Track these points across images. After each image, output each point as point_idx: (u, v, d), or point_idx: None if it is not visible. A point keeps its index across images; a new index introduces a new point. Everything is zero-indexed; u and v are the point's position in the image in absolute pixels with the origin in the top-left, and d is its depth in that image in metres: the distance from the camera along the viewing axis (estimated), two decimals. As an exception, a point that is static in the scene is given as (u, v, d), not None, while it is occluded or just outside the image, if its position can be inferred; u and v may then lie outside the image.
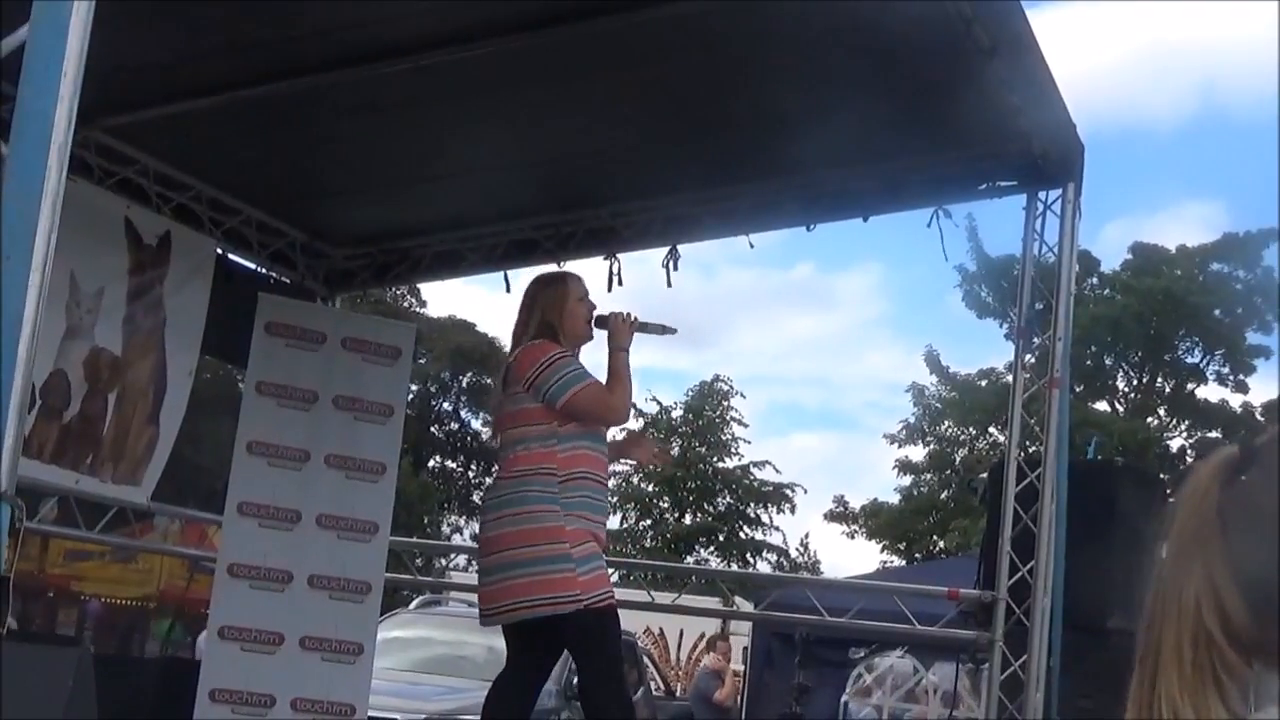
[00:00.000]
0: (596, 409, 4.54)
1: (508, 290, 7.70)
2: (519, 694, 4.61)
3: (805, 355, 47.27)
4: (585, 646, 4.46)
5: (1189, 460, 26.31)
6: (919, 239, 6.13)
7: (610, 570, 8.57)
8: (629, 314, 4.69)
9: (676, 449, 32.37)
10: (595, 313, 4.73)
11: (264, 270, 7.29)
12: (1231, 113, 42.38)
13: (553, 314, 4.65)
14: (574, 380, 4.48)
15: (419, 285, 24.30)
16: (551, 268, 5.92)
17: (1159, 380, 28.19)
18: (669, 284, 6.75)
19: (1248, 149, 41.53)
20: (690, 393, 32.71)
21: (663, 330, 4.78)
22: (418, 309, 29.94)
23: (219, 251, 6.84)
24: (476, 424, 34.97)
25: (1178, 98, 42.84)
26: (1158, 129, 43.58)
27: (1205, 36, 38.96)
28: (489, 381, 34.11)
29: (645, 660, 12.00)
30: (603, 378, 4.61)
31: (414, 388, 29.41)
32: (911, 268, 47.50)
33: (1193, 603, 1.13)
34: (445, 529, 32.95)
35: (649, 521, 32.73)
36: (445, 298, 55.71)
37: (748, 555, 31.70)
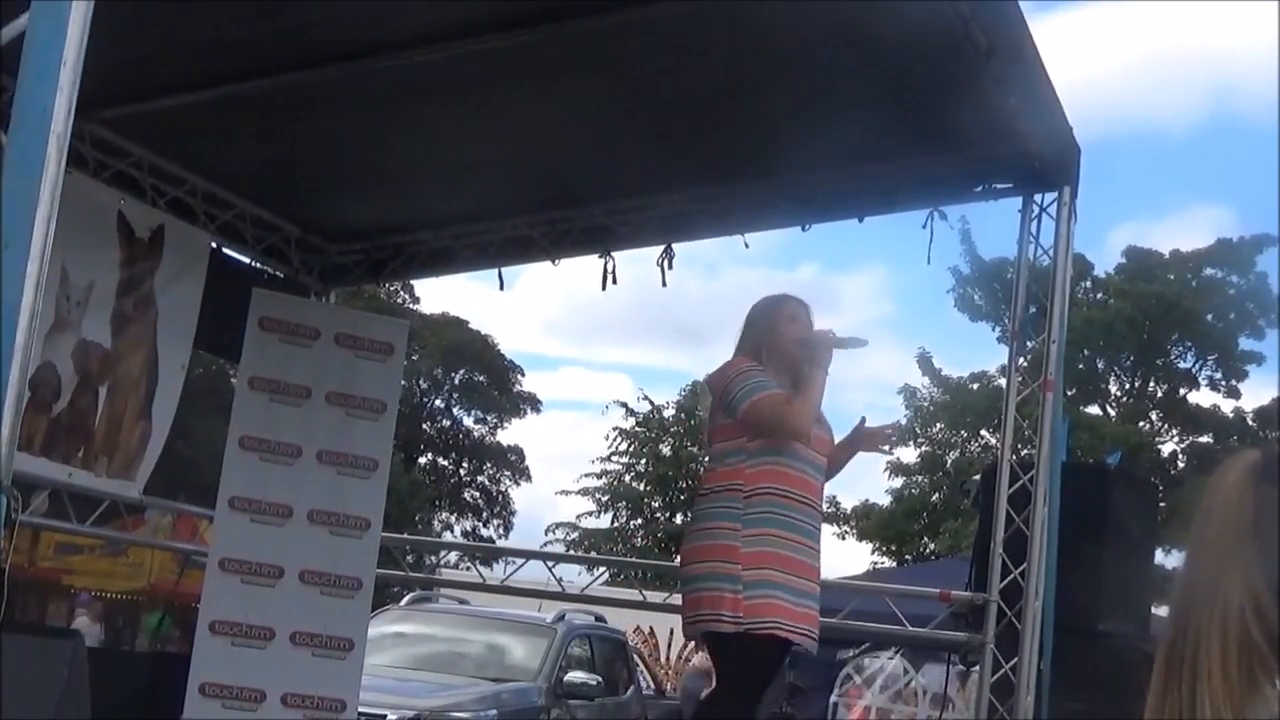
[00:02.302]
0: (771, 417, 4.40)
1: (501, 288, 7.75)
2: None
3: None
4: (736, 668, 4.39)
5: (1181, 465, 26.35)
6: (922, 241, 6.11)
7: (600, 569, 8.61)
8: (830, 331, 4.57)
9: (668, 448, 32.38)
10: (804, 335, 4.60)
11: (258, 265, 7.29)
12: (1243, 118, 42.30)
13: (761, 334, 4.62)
14: (754, 389, 4.41)
15: (413, 281, 24.27)
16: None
17: (1151, 385, 28.18)
18: (664, 283, 6.78)
19: (1258, 154, 41.47)
20: (684, 392, 32.73)
21: (856, 343, 4.61)
22: (411, 305, 29.95)
23: (213, 246, 6.83)
24: (468, 421, 35.00)
25: (1189, 103, 42.66)
26: (1169, 134, 43.51)
27: (1217, 41, 38.82)
28: (481, 379, 34.14)
29: (635, 659, 12.00)
30: None
31: (405, 384, 29.38)
32: (915, 270, 47.49)
33: (1236, 610, 1.12)
34: (436, 526, 32.98)
35: (640, 520, 32.75)
36: (439, 294, 55.65)
37: (739, 555, 31.63)
